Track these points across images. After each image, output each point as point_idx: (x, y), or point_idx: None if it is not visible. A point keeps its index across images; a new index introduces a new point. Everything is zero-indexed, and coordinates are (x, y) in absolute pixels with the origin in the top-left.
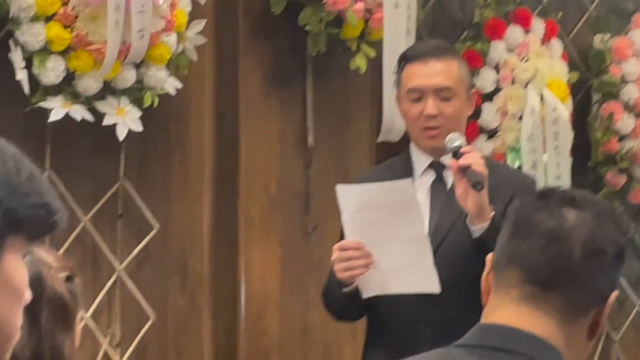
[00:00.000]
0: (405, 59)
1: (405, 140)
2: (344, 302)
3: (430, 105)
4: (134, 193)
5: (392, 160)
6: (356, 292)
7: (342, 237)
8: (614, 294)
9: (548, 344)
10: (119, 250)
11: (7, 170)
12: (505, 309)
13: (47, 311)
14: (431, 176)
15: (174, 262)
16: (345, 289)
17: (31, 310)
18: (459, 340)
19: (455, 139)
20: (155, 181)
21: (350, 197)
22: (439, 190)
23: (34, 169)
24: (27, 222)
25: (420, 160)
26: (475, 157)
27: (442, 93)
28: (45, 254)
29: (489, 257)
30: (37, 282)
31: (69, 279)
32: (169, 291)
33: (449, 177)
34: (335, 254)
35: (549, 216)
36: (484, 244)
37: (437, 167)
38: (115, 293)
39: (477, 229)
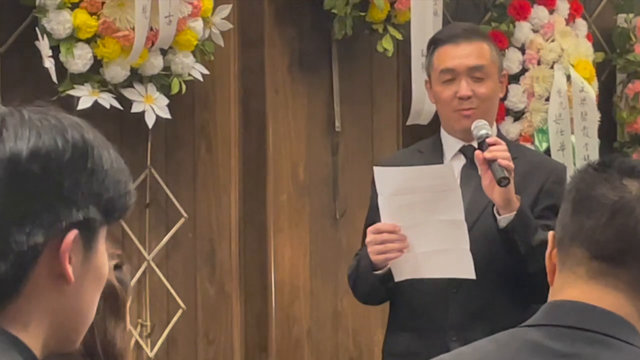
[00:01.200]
0: (435, 43)
1: (433, 124)
2: (374, 285)
3: (464, 87)
4: (161, 181)
5: (421, 143)
6: (388, 275)
7: (369, 219)
8: None
9: (622, 320)
10: (148, 239)
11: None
12: (574, 287)
13: (98, 300)
14: (462, 160)
15: (203, 251)
16: (377, 272)
17: None
18: (528, 320)
19: (481, 128)
20: (182, 169)
21: (388, 179)
22: (470, 175)
23: (117, 154)
24: (119, 210)
25: (450, 144)
26: (500, 150)
27: (476, 73)
28: None
29: (551, 234)
30: None
31: (117, 267)
32: (198, 280)
33: None
34: (370, 237)
35: (611, 188)
36: (510, 234)
37: (467, 151)
38: (145, 283)
39: (503, 219)
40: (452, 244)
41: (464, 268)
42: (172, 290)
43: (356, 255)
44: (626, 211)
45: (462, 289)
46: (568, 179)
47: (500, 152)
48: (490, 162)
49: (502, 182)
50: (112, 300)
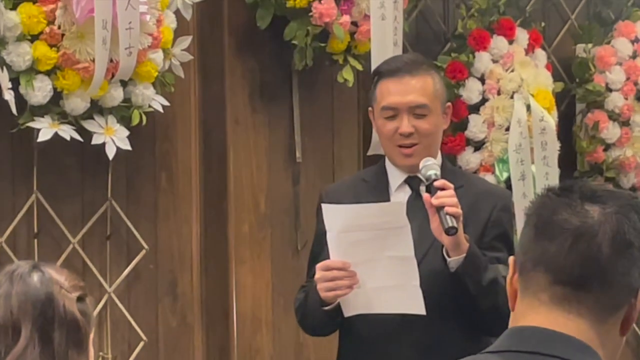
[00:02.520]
0: (378, 75)
1: None
2: (323, 319)
3: (405, 124)
4: (122, 213)
5: (366, 171)
6: (337, 311)
7: (315, 251)
8: None
9: (585, 345)
10: (109, 271)
11: None
12: (537, 313)
13: (60, 332)
14: (407, 192)
15: (164, 282)
16: (326, 307)
17: (44, 331)
18: (490, 347)
19: (430, 167)
20: (143, 201)
21: (336, 216)
22: (417, 207)
23: None
24: None
25: (395, 174)
26: (448, 196)
27: (417, 110)
28: (56, 274)
29: (511, 259)
30: (48, 302)
31: (80, 298)
32: (160, 312)
33: None
34: (320, 274)
35: (573, 214)
36: (461, 276)
37: (413, 182)
38: (106, 315)
39: (453, 261)
40: (402, 280)
41: (414, 304)
42: (133, 322)
43: (302, 287)
44: (588, 236)
45: (413, 323)
46: (525, 205)
47: (447, 199)
48: (438, 210)
49: (449, 232)
50: (74, 332)
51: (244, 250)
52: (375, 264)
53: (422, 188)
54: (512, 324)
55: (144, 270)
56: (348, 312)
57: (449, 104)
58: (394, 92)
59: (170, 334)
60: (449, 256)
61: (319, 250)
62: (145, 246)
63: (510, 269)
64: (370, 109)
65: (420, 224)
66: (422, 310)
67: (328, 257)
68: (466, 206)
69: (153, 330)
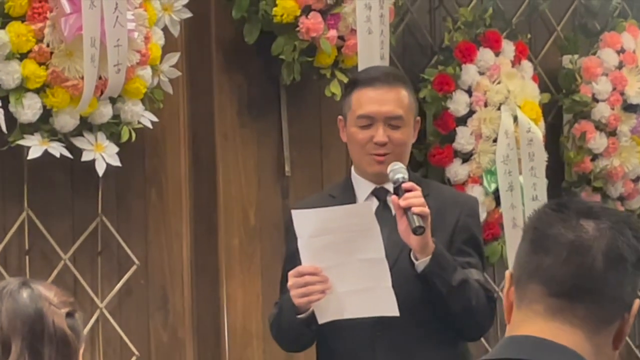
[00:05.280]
0: (355, 83)
1: None
2: (298, 329)
3: (381, 134)
4: (113, 229)
5: (332, 187)
6: (311, 318)
7: (287, 271)
8: (637, 302)
9: (578, 356)
10: (100, 287)
11: None
12: (532, 324)
13: (50, 348)
14: (374, 203)
15: (156, 297)
16: (300, 316)
17: (34, 347)
18: (486, 355)
19: (397, 171)
20: (133, 216)
21: (306, 221)
22: (385, 217)
23: None
24: None
25: (362, 187)
26: (415, 196)
27: (393, 121)
28: (45, 290)
29: (508, 273)
30: (38, 318)
31: (70, 314)
32: (151, 326)
33: None
34: (292, 280)
35: (568, 228)
36: (428, 277)
37: (380, 193)
38: (98, 330)
39: (421, 263)
40: (373, 282)
41: (387, 306)
42: (125, 338)
43: (275, 303)
44: (583, 249)
45: (387, 330)
46: (513, 216)
47: (414, 200)
48: (405, 210)
49: (417, 231)
50: (64, 347)
51: (234, 264)
52: (346, 267)
53: (389, 198)
54: (508, 334)
55: (135, 285)
56: (322, 319)
57: (418, 118)
58: (371, 101)
59: (162, 348)
60: (416, 259)
61: (290, 269)
62: (136, 261)
63: (507, 282)
64: (340, 117)
65: (389, 234)
66: (395, 312)
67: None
68: (433, 214)
69: (145, 345)
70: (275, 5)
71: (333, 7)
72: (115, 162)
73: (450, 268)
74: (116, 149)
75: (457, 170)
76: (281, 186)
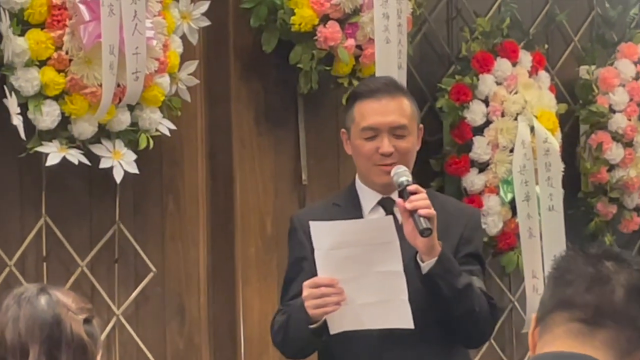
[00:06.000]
0: (356, 96)
1: None
2: (308, 338)
3: (387, 144)
4: (130, 236)
5: (336, 195)
6: (322, 329)
7: (291, 277)
8: None
9: None
10: (117, 294)
11: None
12: (552, 345)
13: (67, 354)
14: (381, 213)
15: (172, 305)
16: (312, 326)
17: (51, 353)
18: None
19: (401, 174)
20: (150, 224)
21: (325, 233)
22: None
23: None
24: None
25: (367, 196)
26: (421, 199)
27: (397, 131)
28: (63, 296)
29: (533, 316)
30: (56, 324)
31: (87, 320)
32: (168, 334)
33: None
34: (307, 291)
35: (590, 264)
36: (433, 278)
37: (386, 203)
38: (115, 337)
39: (426, 265)
40: (390, 295)
41: (402, 318)
42: (141, 344)
43: (279, 311)
44: (603, 280)
45: (395, 341)
46: (529, 226)
47: (420, 202)
48: (411, 213)
49: (424, 232)
50: (81, 354)
51: (250, 272)
52: (363, 279)
53: (397, 209)
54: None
55: (151, 292)
56: (334, 329)
57: (421, 125)
58: (374, 112)
59: (178, 356)
60: (422, 261)
61: (294, 276)
62: (153, 269)
63: (533, 323)
64: (343, 130)
65: (401, 244)
66: (410, 325)
67: (308, 279)
68: (441, 226)
69: (161, 352)
70: (294, 14)
71: (351, 16)
72: (133, 169)
73: (456, 271)
74: (134, 157)
75: (473, 180)
76: (298, 195)
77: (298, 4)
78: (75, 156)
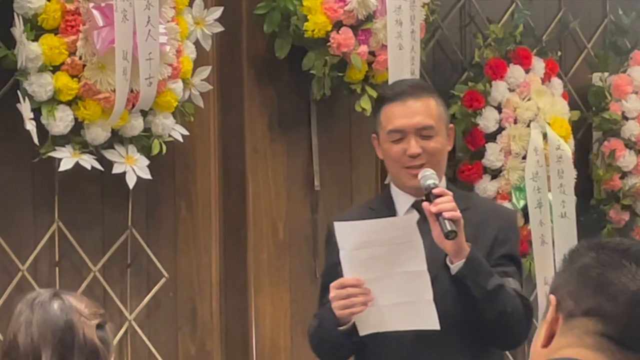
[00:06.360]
0: (382, 100)
1: None
2: (339, 341)
3: (414, 145)
4: (142, 242)
5: (372, 200)
6: (353, 330)
7: (327, 283)
8: None
9: None
10: (129, 299)
11: None
12: (576, 351)
13: (79, 359)
14: (415, 216)
15: (184, 310)
16: (342, 327)
17: (64, 358)
18: None
19: (428, 177)
20: (163, 229)
21: (349, 233)
22: (425, 230)
23: None
24: None
25: (401, 200)
26: (446, 201)
27: (424, 132)
28: (76, 301)
29: (553, 298)
30: (68, 329)
31: (100, 326)
32: (180, 339)
33: None
34: (334, 292)
35: (631, 279)
36: (461, 280)
37: (420, 206)
38: (127, 342)
39: (455, 266)
40: (415, 295)
41: (428, 319)
42: (153, 350)
43: (315, 315)
44: None
45: (429, 342)
46: (542, 233)
47: (445, 205)
48: (437, 215)
49: (449, 235)
50: (94, 359)
51: (263, 277)
52: (387, 280)
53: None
54: (543, 358)
55: (164, 298)
56: (363, 331)
57: (452, 125)
58: (399, 115)
59: None
60: (452, 263)
61: (330, 281)
62: (165, 274)
63: (553, 308)
64: (373, 135)
65: (430, 246)
66: (436, 326)
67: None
68: (473, 227)
69: (173, 357)
70: (307, 21)
71: (364, 22)
72: (146, 175)
73: (485, 272)
74: (147, 162)
75: (486, 187)
76: (310, 200)
77: (311, 11)
78: (88, 161)
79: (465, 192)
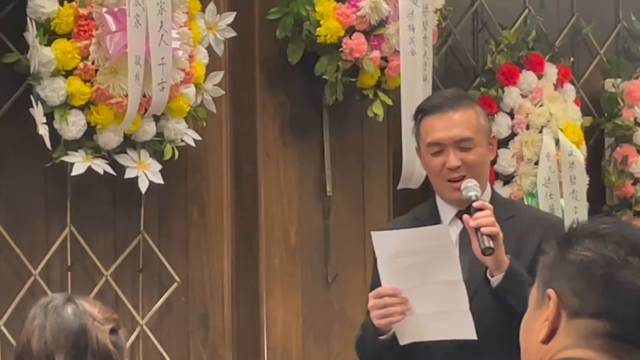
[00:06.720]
0: (422, 112)
1: (424, 188)
2: (381, 351)
3: (453, 158)
4: (154, 246)
5: (417, 209)
6: (393, 340)
7: (373, 283)
8: None
9: None
10: (141, 304)
11: None
12: (582, 352)
13: None
14: (459, 226)
15: (196, 315)
16: (382, 337)
17: None
18: None
19: (470, 189)
20: (175, 234)
21: (386, 242)
22: (467, 241)
23: None
24: None
25: (446, 210)
26: (484, 216)
27: (463, 144)
28: (89, 306)
29: (553, 293)
30: (82, 334)
31: (113, 330)
32: (192, 344)
33: None
34: (372, 302)
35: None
36: (502, 293)
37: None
38: (139, 347)
39: (495, 280)
40: (451, 305)
41: (464, 329)
42: (165, 355)
43: (361, 325)
44: None
45: (470, 353)
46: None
47: (484, 220)
48: (475, 230)
49: (485, 252)
50: None
51: (274, 283)
52: (424, 289)
53: None
54: (544, 355)
55: (175, 303)
56: (403, 340)
57: (494, 134)
58: (438, 127)
59: None
60: (492, 276)
61: (378, 283)
62: (177, 279)
63: (554, 305)
64: (416, 146)
65: (472, 257)
66: (473, 335)
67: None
68: (518, 235)
69: None
70: (319, 26)
71: (377, 28)
72: (158, 179)
73: (525, 285)
74: (159, 167)
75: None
76: (322, 205)
77: (324, 16)
78: (101, 166)
79: (509, 200)
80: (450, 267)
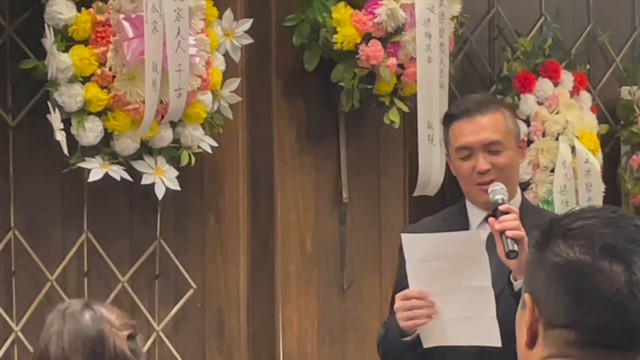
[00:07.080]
0: (450, 118)
1: (440, 195)
2: (403, 352)
3: (482, 162)
4: (170, 253)
5: (447, 211)
6: (416, 342)
7: (397, 287)
8: None
9: None
10: (157, 310)
11: None
12: None
13: None
14: (487, 230)
15: (212, 321)
16: (406, 338)
17: None
18: None
19: (497, 192)
20: (191, 240)
21: (415, 246)
22: (494, 245)
23: None
24: None
25: (475, 213)
26: (510, 219)
27: (492, 147)
28: (107, 312)
29: (528, 297)
30: (99, 340)
31: (130, 336)
32: (207, 350)
33: None
34: (398, 303)
35: (610, 281)
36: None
37: None
38: (155, 353)
39: (517, 283)
40: (478, 311)
41: (490, 336)
42: None
43: (384, 323)
44: (628, 303)
45: (491, 356)
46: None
47: (509, 223)
48: (500, 233)
49: (509, 255)
50: None
51: (290, 289)
52: (452, 294)
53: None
54: None
55: (191, 309)
56: (427, 343)
57: (523, 137)
58: (466, 132)
59: None
60: (515, 280)
61: (399, 291)
62: (193, 285)
63: (530, 309)
64: (446, 152)
65: (499, 260)
66: (497, 343)
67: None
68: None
69: None
70: (336, 33)
71: (393, 35)
72: (175, 186)
73: None
74: (176, 173)
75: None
76: (338, 212)
77: (340, 23)
78: (118, 172)
79: (538, 207)
80: (481, 272)
